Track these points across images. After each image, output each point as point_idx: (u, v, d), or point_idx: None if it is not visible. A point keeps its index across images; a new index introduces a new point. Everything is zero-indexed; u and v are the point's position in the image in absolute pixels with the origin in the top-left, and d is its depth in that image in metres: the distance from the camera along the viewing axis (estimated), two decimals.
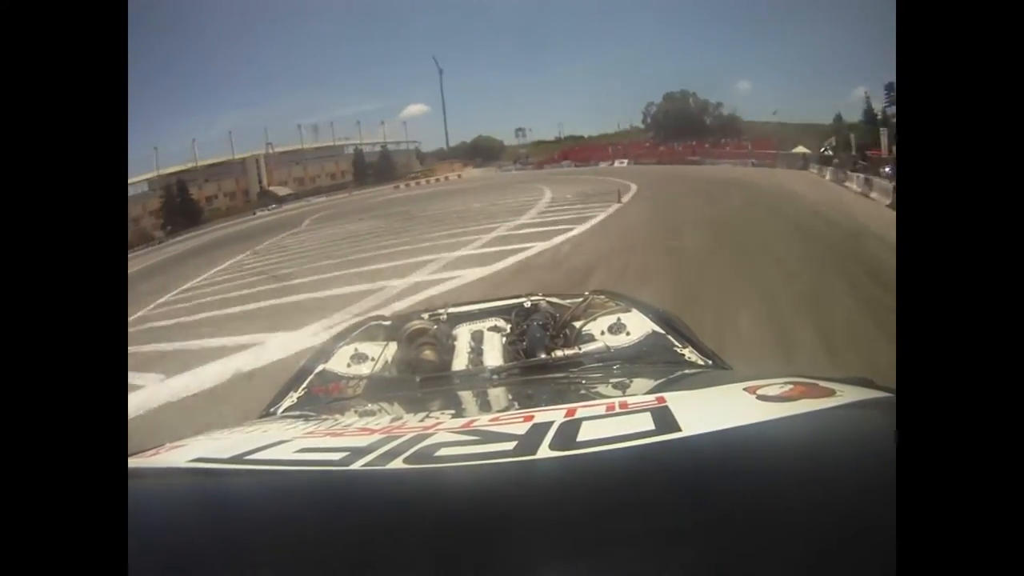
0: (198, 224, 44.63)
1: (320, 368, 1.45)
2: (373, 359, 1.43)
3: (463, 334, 1.51)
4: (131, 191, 49.83)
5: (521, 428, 0.56)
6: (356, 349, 1.49)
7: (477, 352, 1.40)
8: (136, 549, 0.39)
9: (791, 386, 0.62)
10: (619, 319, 1.41)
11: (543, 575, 0.34)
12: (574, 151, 46.43)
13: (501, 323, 1.56)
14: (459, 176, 46.80)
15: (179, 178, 50.19)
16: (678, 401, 0.62)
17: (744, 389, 0.64)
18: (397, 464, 0.49)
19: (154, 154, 50.56)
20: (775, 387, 0.62)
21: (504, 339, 1.46)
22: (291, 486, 0.52)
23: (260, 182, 52.10)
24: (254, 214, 43.62)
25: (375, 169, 53.82)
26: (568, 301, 1.65)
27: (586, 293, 1.64)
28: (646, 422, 0.52)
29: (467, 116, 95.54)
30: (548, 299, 1.69)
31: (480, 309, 1.70)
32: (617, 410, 0.61)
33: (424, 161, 57.85)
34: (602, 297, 1.62)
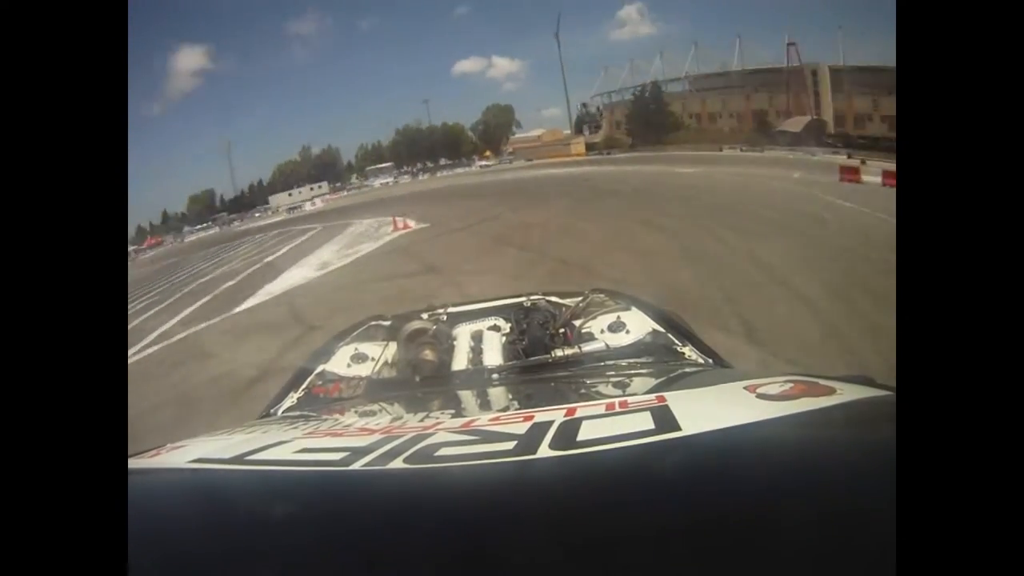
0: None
1: (320, 368, 1.45)
2: (373, 359, 1.43)
3: (463, 334, 1.51)
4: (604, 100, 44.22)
5: (521, 428, 0.56)
6: (356, 349, 1.49)
7: (477, 352, 1.40)
8: (136, 550, 0.39)
9: (791, 385, 0.62)
10: (619, 318, 1.41)
11: (543, 574, 0.34)
12: None
13: (501, 322, 1.56)
14: None
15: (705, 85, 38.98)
16: (678, 400, 0.62)
17: (744, 388, 0.64)
18: (397, 464, 0.49)
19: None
20: (775, 386, 0.62)
21: (504, 338, 1.46)
22: (291, 486, 0.52)
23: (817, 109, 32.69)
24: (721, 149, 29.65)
25: None
26: (568, 300, 1.65)
27: (586, 292, 1.64)
28: (646, 421, 0.52)
29: None
30: (548, 298, 1.69)
31: (479, 308, 1.70)
32: (617, 409, 0.61)
33: None
34: (602, 296, 1.62)
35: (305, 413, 1.09)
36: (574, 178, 22.75)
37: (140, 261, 37.43)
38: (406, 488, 0.47)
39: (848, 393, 0.59)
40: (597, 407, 0.65)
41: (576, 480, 0.44)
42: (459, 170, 46.44)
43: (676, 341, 1.33)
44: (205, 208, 52.42)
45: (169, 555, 0.41)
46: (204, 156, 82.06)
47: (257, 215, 45.37)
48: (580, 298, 1.60)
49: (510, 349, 1.40)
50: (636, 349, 1.31)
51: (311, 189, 48.98)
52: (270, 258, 15.27)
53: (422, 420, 0.73)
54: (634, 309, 1.48)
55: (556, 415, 0.59)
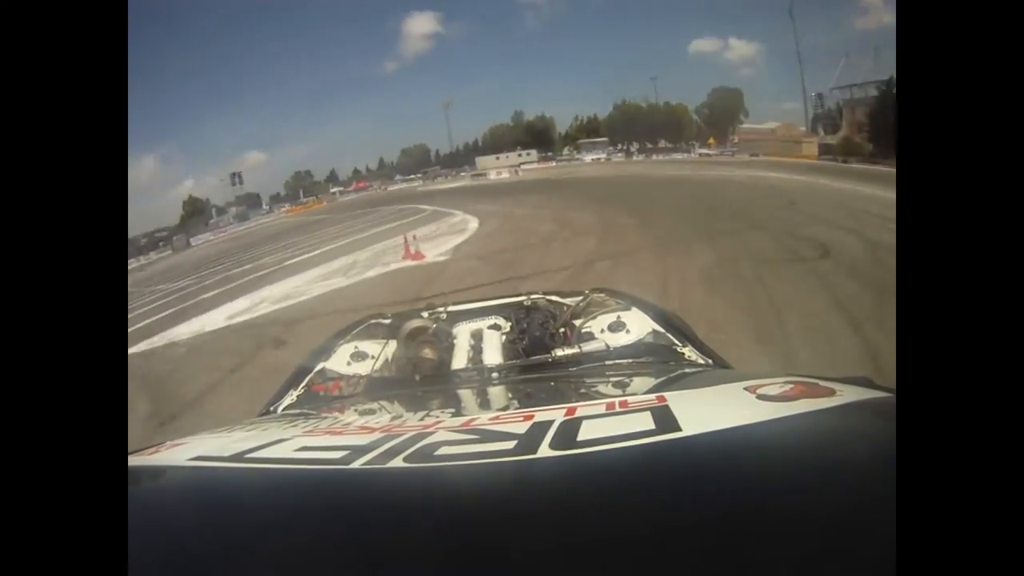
0: None
1: (320, 366, 1.45)
2: (373, 357, 1.43)
3: (463, 332, 1.51)
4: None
5: (521, 427, 0.56)
6: (356, 347, 1.49)
7: (477, 351, 1.40)
8: (136, 547, 0.39)
9: (791, 386, 0.62)
10: (619, 317, 1.41)
11: (543, 574, 0.34)
12: None
13: (501, 321, 1.56)
14: None
15: None
16: (678, 400, 0.62)
17: (744, 388, 0.64)
18: (397, 463, 0.49)
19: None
20: (775, 387, 0.62)
21: (504, 337, 1.46)
22: (291, 485, 0.52)
23: None
24: None
25: None
26: (568, 299, 1.64)
27: (586, 291, 1.64)
28: (646, 421, 0.52)
29: None
30: (548, 297, 1.69)
31: (480, 307, 1.70)
32: (617, 409, 0.61)
33: None
34: (602, 295, 1.62)
35: (305, 411, 1.09)
36: (778, 195, 14.01)
37: (339, 203, 38.55)
38: (406, 487, 0.47)
39: (848, 394, 0.59)
40: (597, 407, 0.65)
41: (576, 480, 0.44)
42: (677, 156, 39.96)
43: (676, 341, 1.33)
44: (416, 161, 52.85)
45: (169, 553, 0.41)
46: (427, 113, 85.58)
47: (463, 174, 44.74)
48: (580, 298, 1.60)
49: (510, 348, 1.40)
50: (636, 349, 1.31)
51: (519, 155, 47.32)
52: (292, 260, 13.00)
53: (422, 419, 0.73)
54: (634, 309, 1.48)
55: (556, 415, 0.59)
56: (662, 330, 1.38)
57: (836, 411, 0.54)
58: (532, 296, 1.67)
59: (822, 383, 0.63)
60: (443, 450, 0.53)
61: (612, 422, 0.56)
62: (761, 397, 0.59)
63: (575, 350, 1.28)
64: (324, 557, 0.37)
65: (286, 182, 53.01)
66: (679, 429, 0.49)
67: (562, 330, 1.45)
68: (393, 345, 1.47)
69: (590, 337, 1.37)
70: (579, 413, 0.60)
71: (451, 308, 1.68)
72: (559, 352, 1.27)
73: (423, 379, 1.27)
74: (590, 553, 0.34)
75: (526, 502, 0.42)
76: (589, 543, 0.35)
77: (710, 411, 0.59)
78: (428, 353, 1.35)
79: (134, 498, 0.45)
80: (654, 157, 40.99)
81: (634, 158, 42.82)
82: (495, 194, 22.44)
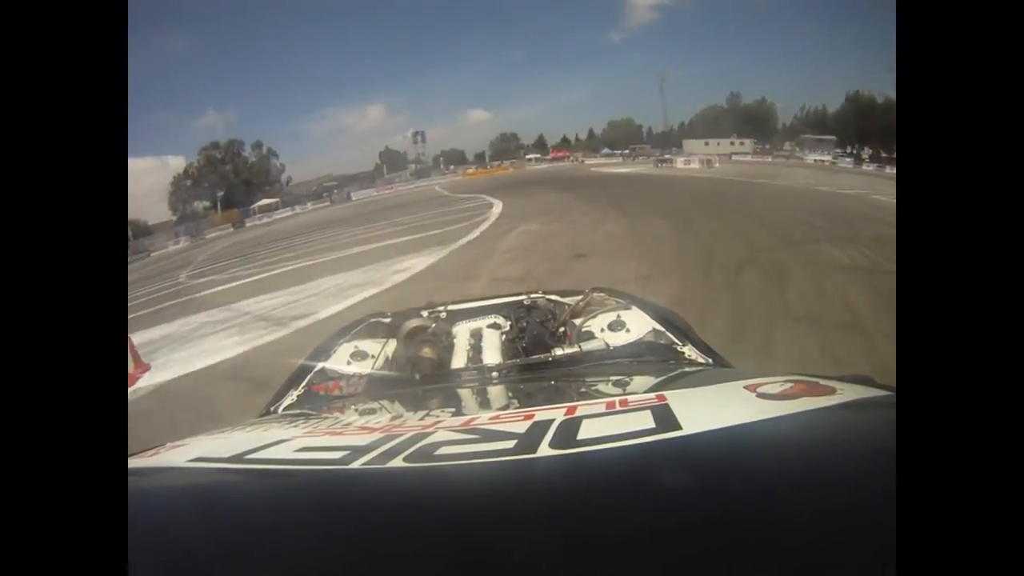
0: None
1: (320, 366, 1.45)
2: (373, 357, 1.43)
3: (462, 332, 1.51)
4: None
5: (521, 426, 0.56)
6: (356, 347, 1.49)
7: (477, 350, 1.40)
8: (136, 549, 0.39)
9: (791, 384, 0.62)
10: (619, 316, 1.41)
11: (543, 574, 0.34)
12: None
13: (500, 320, 1.56)
14: None
15: None
16: (678, 399, 0.62)
17: (744, 387, 0.64)
18: (397, 463, 0.49)
19: None
20: (775, 385, 0.62)
21: (504, 337, 1.46)
22: (291, 485, 0.52)
23: None
24: None
25: None
26: (568, 299, 1.65)
27: (586, 290, 1.64)
28: (646, 420, 0.52)
29: None
30: (547, 296, 1.69)
31: (479, 306, 1.70)
32: (617, 408, 0.61)
33: None
34: (602, 294, 1.62)
35: (305, 411, 1.09)
36: None
37: (528, 170, 35.89)
38: (406, 487, 0.47)
39: (848, 393, 0.59)
40: (597, 406, 0.65)
41: (576, 479, 0.44)
42: None
43: (676, 340, 1.33)
44: (625, 135, 49.86)
45: (169, 554, 0.41)
46: (644, 87, 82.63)
47: (665, 156, 38.12)
48: (580, 296, 1.60)
49: (510, 347, 1.40)
50: (636, 348, 1.31)
51: (731, 143, 41.24)
52: (228, 285, 9.90)
53: (422, 418, 0.73)
54: (634, 308, 1.48)
55: (556, 414, 0.59)
56: (662, 329, 1.38)
57: (836, 410, 0.54)
58: (532, 295, 1.67)
59: (822, 382, 0.63)
60: (443, 450, 0.53)
61: (612, 421, 0.56)
62: (761, 396, 0.59)
63: (575, 349, 1.28)
64: (324, 558, 0.37)
65: (491, 142, 53.84)
66: (679, 428, 0.49)
67: (562, 329, 1.45)
68: (393, 344, 1.47)
69: (590, 336, 1.37)
70: (579, 412, 0.60)
71: (451, 307, 1.68)
72: (559, 351, 1.27)
73: (423, 378, 1.27)
74: (590, 553, 0.34)
75: (526, 501, 0.42)
76: (589, 542, 0.35)
77: (710, 410, 0.59)
78: (428, 352, 1.35)
79: (134, 499, 0.45)
80: (887, 170, 29.53)
81: (864, 167, 32.20)
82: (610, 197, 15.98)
